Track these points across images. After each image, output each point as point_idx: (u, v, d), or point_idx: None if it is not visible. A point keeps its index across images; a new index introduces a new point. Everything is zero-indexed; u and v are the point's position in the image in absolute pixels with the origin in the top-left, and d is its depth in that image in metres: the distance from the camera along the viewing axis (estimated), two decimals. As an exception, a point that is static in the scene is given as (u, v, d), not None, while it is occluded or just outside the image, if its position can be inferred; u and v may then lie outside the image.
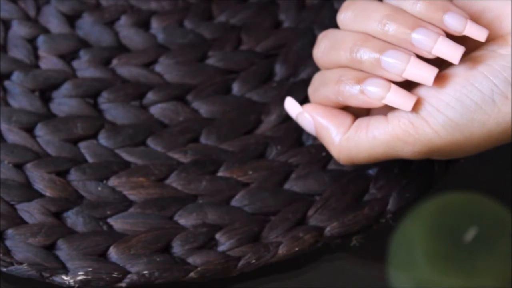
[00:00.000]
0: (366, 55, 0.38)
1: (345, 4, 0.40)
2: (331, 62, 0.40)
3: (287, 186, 0.45)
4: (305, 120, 0.42)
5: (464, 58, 0.38)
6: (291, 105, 0.44)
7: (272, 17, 0.52)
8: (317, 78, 0.42)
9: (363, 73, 0.39)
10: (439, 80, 0.38)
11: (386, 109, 0.41)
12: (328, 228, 0.43)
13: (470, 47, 0.39)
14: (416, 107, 0.38)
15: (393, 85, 0.38)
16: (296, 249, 0.42)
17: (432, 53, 0.37)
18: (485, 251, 0.44)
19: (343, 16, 0.40)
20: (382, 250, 0.44)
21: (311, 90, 0.42)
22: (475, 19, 0.38)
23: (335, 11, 0.51)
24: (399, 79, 0.38)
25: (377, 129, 0.39)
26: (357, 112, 0.42)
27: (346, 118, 0.41)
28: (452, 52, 0.37)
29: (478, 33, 0.37)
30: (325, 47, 0.41)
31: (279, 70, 0.49)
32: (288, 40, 0.50)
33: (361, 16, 0.39)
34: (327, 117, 0.41)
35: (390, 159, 0.40)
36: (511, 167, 0.46)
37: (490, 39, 0.38)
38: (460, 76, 0.37)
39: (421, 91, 0.38)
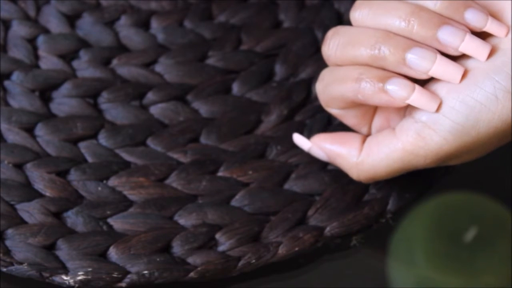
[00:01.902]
0: (390, 52, 0.38)
1: (358, 3, 0.40)
2: (346, 59, 0.40)
3: (287, 186, 0.45)
4: (318, 152, 0.43)
5: (464, 56, 0.38)
6: (300, 141, 0.44)
7: (272, 17, 0.52)
8: (327, 75, 0.41)
9: (385, 72, 0.38)
10: (443, 85, 0.38)
11: (393, 112, 0.41)
12: (328, 228, 0.43)
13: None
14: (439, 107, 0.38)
15: (417, 86, 0.38)
16: (296, 249, 0.42)
17: (459, 50, 0.37)
18: (485, 251, 0.44)
19: (359, 14, 0.39)
20: (382, 250, 0.44)
21: (321, 87, 0.42)
22: None
23: (335, 11, 0.52)
24: (424, 77, 0.38)
25: (387, 147, 0.39)
26: (363, 116, 0.42)
27: (355, 139, 0.41)
28: (480, 50, 0.37)
29: (498, 30, 0.38)
30: (339, 43, 0.40)
31: (279, 70, 0.49)
32: (288, 40, 0.50)
33: (381, 13, 0.38)
34: (336, 144, 0.42)
35: (409, 171, 0.40)
36: (511, 167, 0.46)
37: (491, 33, 0.38)
38: (462, 77, 0.37)
39: None
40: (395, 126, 0.40)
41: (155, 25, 0.51)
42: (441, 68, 0.37)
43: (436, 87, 0.38)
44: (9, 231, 0.42)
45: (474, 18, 0.38)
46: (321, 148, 0.43)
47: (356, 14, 0.39)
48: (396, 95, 0.38)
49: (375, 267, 0.44)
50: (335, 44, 0.40)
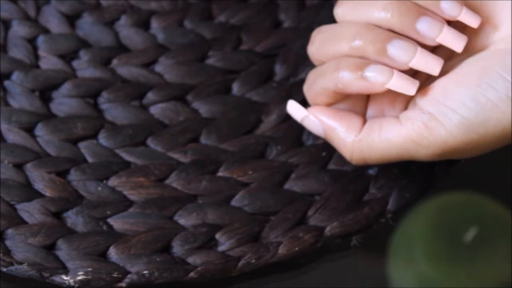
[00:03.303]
0: (371, 43, 0.38)
1: None
2: (328, 54, 0.40)
3: (287, 186, 0.45)
4: (312, 123, 0.42)
5: (476, 56, 0.38)
6: (295, 108, 0.43)
7: (272, 17, 0.51)
8: (311, 75, 0.42)
9: (363, 60, 0.39)
10: (453, 80, 0.38)
11: (387, 106, 0.41)
12: (328, 228, 0.43)
13: (477, 45, 0.39)
14: (429, 100, 0.38)
15: (396, 71, 0.38)
16: (296, 249, 0.42)
17: (437, 41, 0.38)
18: (485, 251, 0.44)
19: (341, 9, 0.40)
20: (382, 250, 0.44)
21: (307, 87, 0.42)
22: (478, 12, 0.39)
23: (335, 11, 0.52)
24: (404, 68, 0.38)
25: (391, 131, 0.39)
26: (352, 110, 0.42)
27: (356, 118, 0.41)
28: (456, 41, 0.38)
29: (471, 20, 0.38)
30: (322, 40, 0.40)
31: (279, 70, 0.49)
32: (288, 40, 0.50)
33: (361, 7, 0.39)
34: (335, 119, 0.41)
35: (403, 161, 0.40)
36: (511, 167, 0.46)
37: (500, 38, 0.38)
38: (474, 75, 0.37)
39: (435, 93, 0.38)
40: (398, 115, 0.40)
41: (155, 25, 0.51)
42: (421, 60, 0.38)
43: (444, 81, 0.38)
44: (9, 231, 0.42)
45: (449, 7, 0.38)
46: (318, 120, 0.42)
47: (339, 10, 0.40)
48: (375, 80, 0.38)
49: (375, 267, 0.44)
50: (318, 41, 0.41)
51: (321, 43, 0.40)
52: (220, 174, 0.45)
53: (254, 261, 0.42)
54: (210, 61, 0.50)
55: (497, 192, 0.45)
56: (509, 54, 0.37)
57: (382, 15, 0.38)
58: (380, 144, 0.40)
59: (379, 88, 0.38)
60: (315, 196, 0.44)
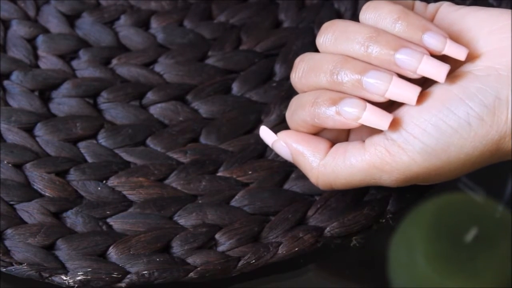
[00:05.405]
0: (347, 76, 0.38)
1: (324, 27, 0.40)
2: (310, 86, 0.40)
3: (287, 186, 0.45)
4: (281, 148, 0.42)
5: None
6: (266, 133, 0.43)
7: (272, 17, 0.52)
8: (294, 102, 0.41)
9: (339, 94, 0.38)
10: (415, 104, 0.37)
11: (366, 133, 0.40)
12: (328, 228, 0.43)
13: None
14: (394, 127, 0.37)
15: (369, 105, 0.38)
16: (296, 249, 0.42)
17: (417, 72, 0.37)
18: (485, 251, 0.44)
19: (323, 39, 0.39)
20: (382, 250, 0.44)
21: (289, 115, 0.42)
22: (454, 39, 0.38)
23: (335, 11, 0.52)
24: (381, 100, 0.38)
25: (354, 156, 0.39)
26: (337, 139, 0.41)
27: (322, 143, 0.41)
28: (437, 71, 0.37)
29: (457, 52, 0.37)
30: (303, 70, 0.40)
31: (279, 70, 0.49)
32: (288, 40, 0.50)
33: (341, 38, 0.38)
34: (302, 143, 0.41)
35: (369, 186, 0.40)
36: (511, 167, 0.46)
37: (467, 59, 0.38)
38: (436, 100, 0.37)
39: (398, 118, 0.38)
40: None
41: (155, 25, 0.51)
42: (397, 89, 0.37)
43: (407, 107, 0.38)
44: (9, 231, 0.42)
45: (432, 41, 0.37)
46: (286, 144, 0.41)
47: (321, 39, 0.40)
48: (348, 116, 0.38)
49: (375, 267, 0.44)
50: (300, 71, 0.40)
51: (303, 74, 0.40)
52: (220, 174, 0.45)
53: (254, 261, 0.42)
54: (210, 61, 0.50)
55: (497, 192, 0.45)
56: (473, 79, 0.37)
57: (362, 50, 0.38)
58: (344, 169, 0.39)
59: (353, 123, 0.38)
60: (315, 196, 0.44)
